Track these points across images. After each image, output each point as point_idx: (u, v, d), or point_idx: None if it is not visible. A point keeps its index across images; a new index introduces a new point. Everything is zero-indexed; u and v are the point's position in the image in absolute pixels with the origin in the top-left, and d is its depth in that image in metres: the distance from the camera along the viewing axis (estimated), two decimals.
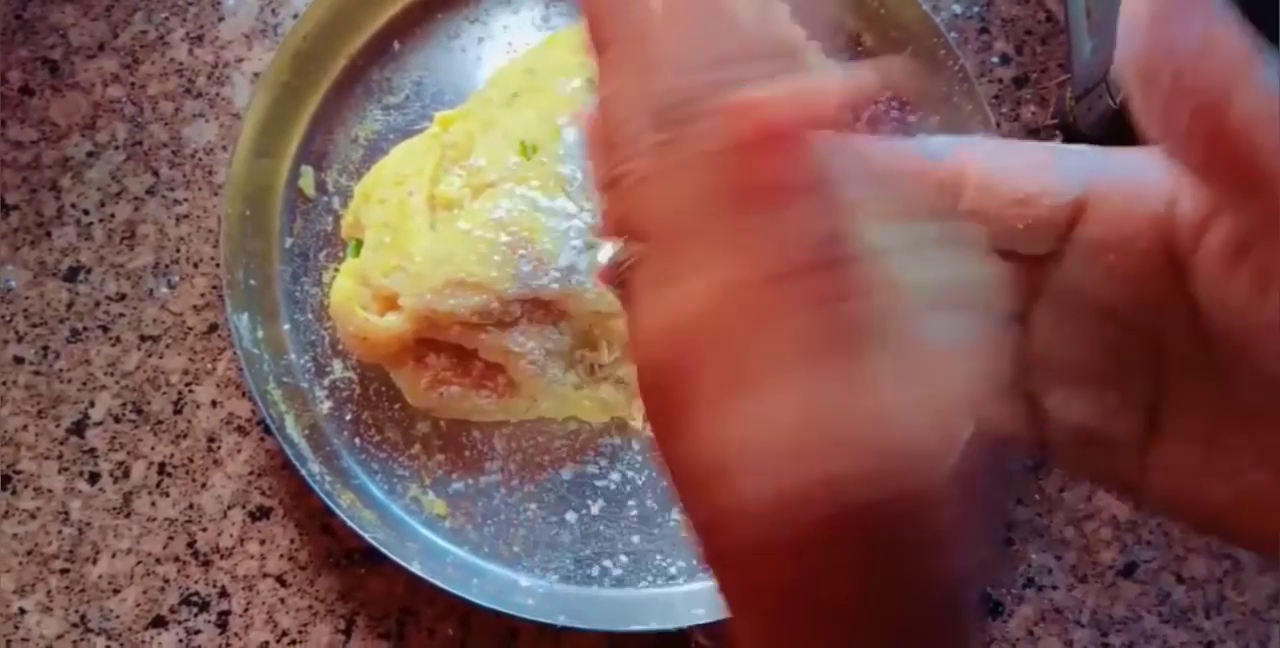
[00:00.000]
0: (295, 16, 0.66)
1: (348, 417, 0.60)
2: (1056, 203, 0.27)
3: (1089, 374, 0.28)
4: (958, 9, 0.67)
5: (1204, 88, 0.22)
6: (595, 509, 0.59)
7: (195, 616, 0.59)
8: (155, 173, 0.64)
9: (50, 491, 0.61)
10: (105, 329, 0.62)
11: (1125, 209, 0.26)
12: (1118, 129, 0.59)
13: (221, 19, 0.66)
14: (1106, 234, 0.27)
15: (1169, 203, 0.26)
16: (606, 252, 0.26)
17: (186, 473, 0.61)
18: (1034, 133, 0.64)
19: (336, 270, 0.61)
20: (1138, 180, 0.26)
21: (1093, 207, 0.27)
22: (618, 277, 0.25)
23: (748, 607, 0.23)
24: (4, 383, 0.62)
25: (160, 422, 0.61)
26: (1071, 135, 0.63)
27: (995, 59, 0.66)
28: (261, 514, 0.60)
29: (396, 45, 0.65)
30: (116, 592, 0.59)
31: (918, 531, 0.22)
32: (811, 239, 0.23)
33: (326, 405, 0.60)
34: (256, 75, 0.66)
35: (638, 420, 0.58)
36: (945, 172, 0.27)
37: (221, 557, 0.60)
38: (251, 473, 0.61)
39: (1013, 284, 0.27)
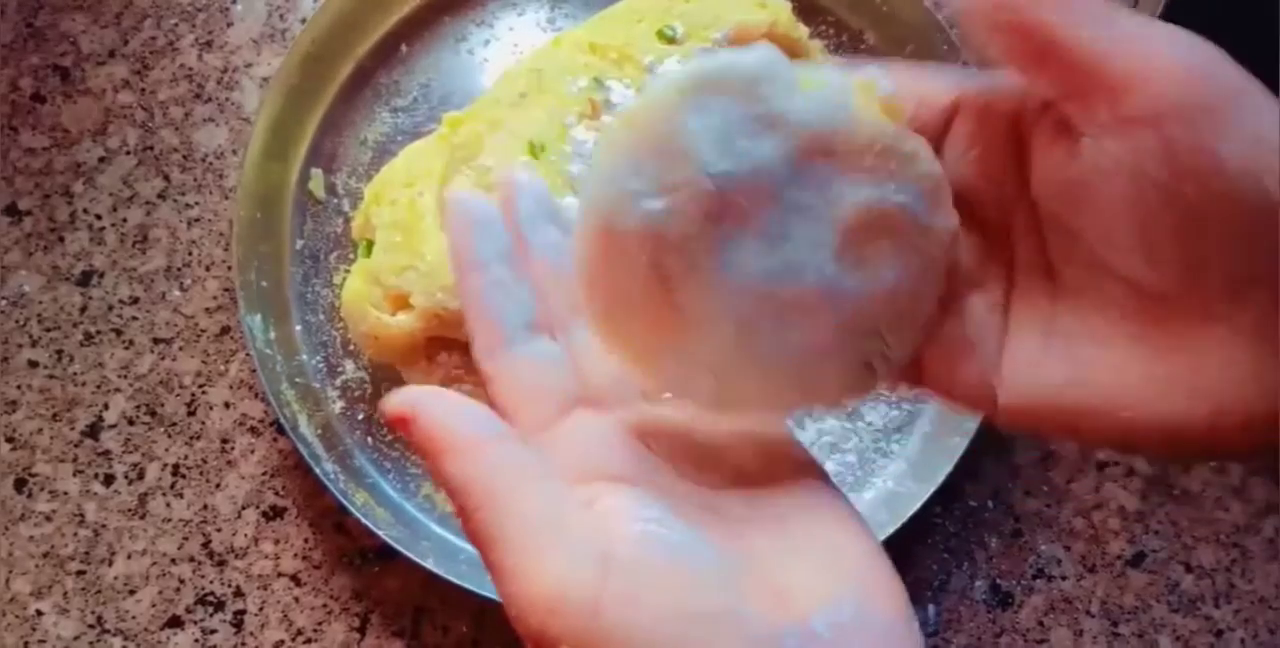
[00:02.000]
0: (303, 21, 0.67)
1: (360, 416, 0.61)
2: (935, 103, 0.31)
3: (962, 277, 0.32)
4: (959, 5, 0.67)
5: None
6: None
7: (211, 616, 0.60)
8: (166, 177, 0.65)
9: (66, 493, 0.61)
10: (118, 333, 0.63)
11: (986, 107, 0.31)
12: None
13: (230, 25, 0.67)
14: (972, 130, 0.31)
15: (1021, 102, 0.30)
16: None
17: (200, 474, 0.61)
18: None
19: (347, 271, 0.61)
20: (997, 85, 0.31)
21: (963, 107, 0.31)
22: None
23: None
24: (19, 387, 0.62)
25: (174, 423, 0.62)
26: None
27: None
28: (275, 514, 0.61)
29: (404, 48, 0.66)
30: (132, 593, 0.60)
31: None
32: (451, 490, 0.31)
33: (339, 405, 0.61)
34: (265, 80, 0.66)
35: None
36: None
37: (236, 557, 0.60)
38: (265, 473, 0.61)
39: None
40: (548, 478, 0.31)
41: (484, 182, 0.57)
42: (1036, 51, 0.28)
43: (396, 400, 0.32)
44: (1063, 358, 0.30)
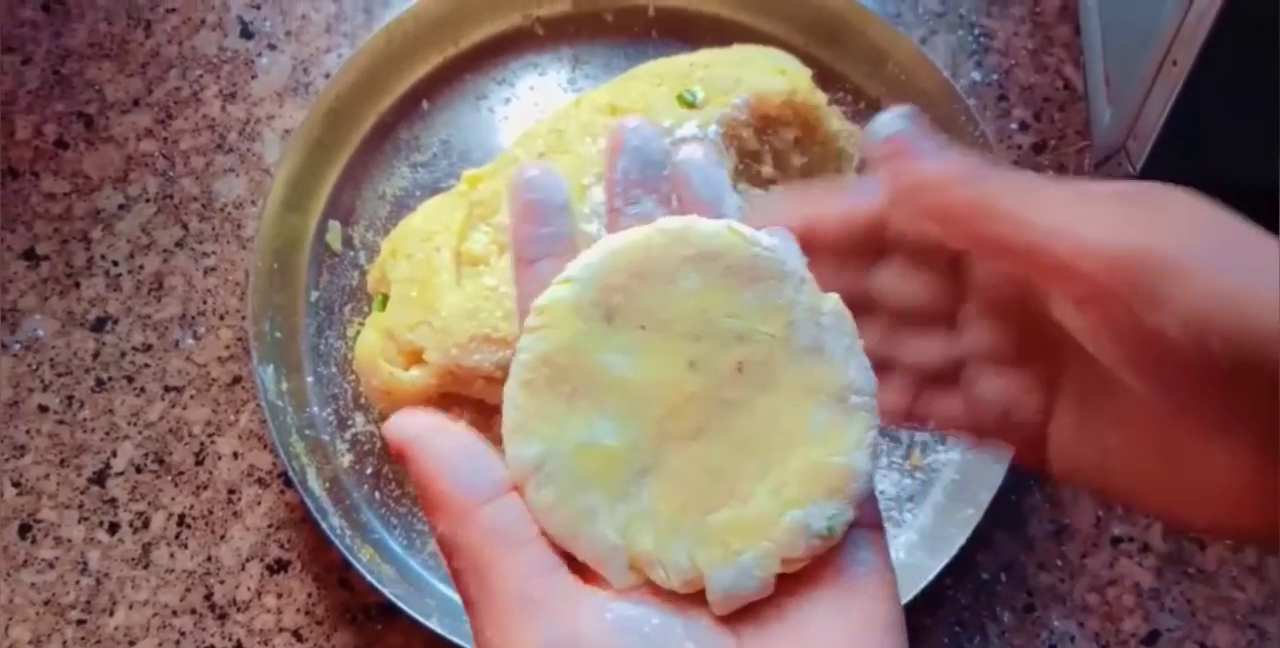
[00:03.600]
0: (327, 75, 0.68)
1: (368, 470, 0.60)
2: (855, 222, 0.35)
3: (1006, 357, 0.34)
4: (977, 76, 0.68)
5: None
6: None
7: None
8: (185, 226, 0.65)
9: (70, 540, 0.61)
10: (130, 379, 0.63)
11: None
12: None
13: (254, 77, 0.68)
14: None
15: None
16: None
17: (206, 525, 0.61)
18: None
19: (360, 324, 0.61)
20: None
21: None
22: None
23: None
24: (28, 432, 0.62)
25: (181, 473, 0.62)
26: None
27: (1014, 125, 0.67)
28: (279, 567, 0.60)
29: (425, 105, 0.66)
30: (132, 644, 0.59)
31: None
32: (439, 544, 0.31)
33: (347, 459, 0.61)
34: (287, 132, 0.67)
35: None
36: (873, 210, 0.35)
37: (238, 610, 0.60)
38: (270, 526, 0.61)
39: (944, 291, 0.35)
40: (533, 544, 0.31)
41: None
42: (973, 239, 0.31)
43: (397, 428, 0.32)
44: (1094, 441, 0.32)
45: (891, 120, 0.33)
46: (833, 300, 0.32)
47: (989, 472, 0.57)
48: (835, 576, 0.31)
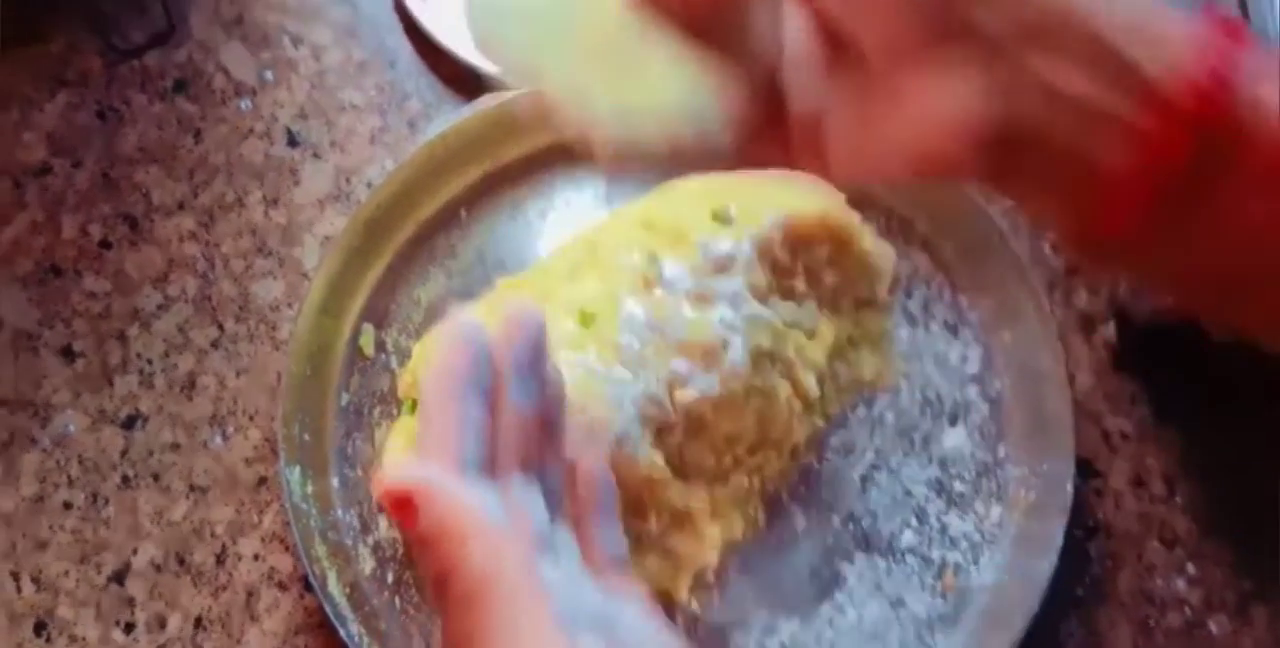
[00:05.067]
0: (368, 185, 0.69)
1: (389, 577, 0.60)
2: None
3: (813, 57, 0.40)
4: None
5: None
6: None
7: None
8: (220, 326, 0.66)
9: (84, 639, 0.60)
10: (156, 478, 0.63)
11: None
12: (1171, 319, 0.60)
13: (298, 184, 0.69)
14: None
15: None
16: None
17: (222, 628, 0.60)
18: (1089, 319, 0.65)
19: (389, 428, 0.61)
20: None
21: None
22: None
23: None
24: (50, 527, 0.62)
25: (201, 573, 0.61)
26: (1124, 323, 0.64)
27: (1047, 248, 0.68)
28: None
29: (463, 214, 0.68)
30: None
31: None
32: (427, 573, 0.37)
33: (369, 564, 0.60)
34: (327, 238, 0.68)
35: (683, 593, 0.57)
36: None
37: None
38: (288, 631, 0.60)
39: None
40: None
41: None
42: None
43: (398, 477, 0.37)
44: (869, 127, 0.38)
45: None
46: None
47: (1025, 597, 0.56)
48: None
